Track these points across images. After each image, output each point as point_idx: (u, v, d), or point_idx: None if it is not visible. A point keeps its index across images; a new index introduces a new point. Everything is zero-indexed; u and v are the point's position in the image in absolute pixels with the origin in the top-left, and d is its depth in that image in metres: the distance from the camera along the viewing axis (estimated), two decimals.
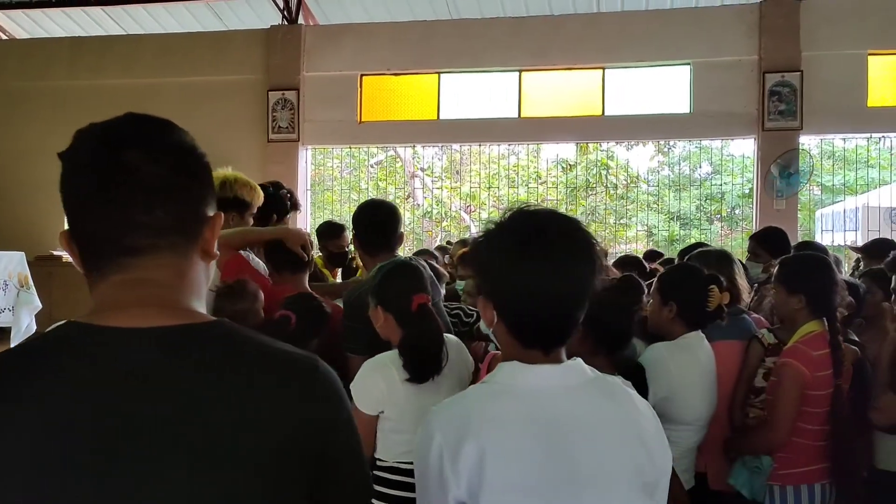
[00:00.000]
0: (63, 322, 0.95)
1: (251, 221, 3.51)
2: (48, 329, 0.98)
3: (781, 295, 2.83)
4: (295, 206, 4.12)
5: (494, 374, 1.38)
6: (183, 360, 0.90)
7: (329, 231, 4.59)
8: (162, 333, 0.90)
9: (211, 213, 1.01)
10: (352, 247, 4.04)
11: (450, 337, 2.51)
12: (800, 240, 9.58)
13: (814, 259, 2.92)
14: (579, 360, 1.39)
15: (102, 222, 0.93)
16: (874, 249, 4.61)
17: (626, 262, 4.54)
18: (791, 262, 2.96)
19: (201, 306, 1.00)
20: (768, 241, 4.06)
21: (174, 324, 0.92)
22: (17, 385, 0.87)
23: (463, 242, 5.44)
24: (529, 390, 1.32)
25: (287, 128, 9.30)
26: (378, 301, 2.38)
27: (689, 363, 2.59)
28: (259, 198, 3.61)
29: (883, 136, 9.08)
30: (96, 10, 10.31)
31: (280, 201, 3.91)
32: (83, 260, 0.96)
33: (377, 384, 2.29)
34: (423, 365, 2.26)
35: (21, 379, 0.87)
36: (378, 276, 2.49)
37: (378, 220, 2.91)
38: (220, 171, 4.03)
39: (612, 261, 4.90)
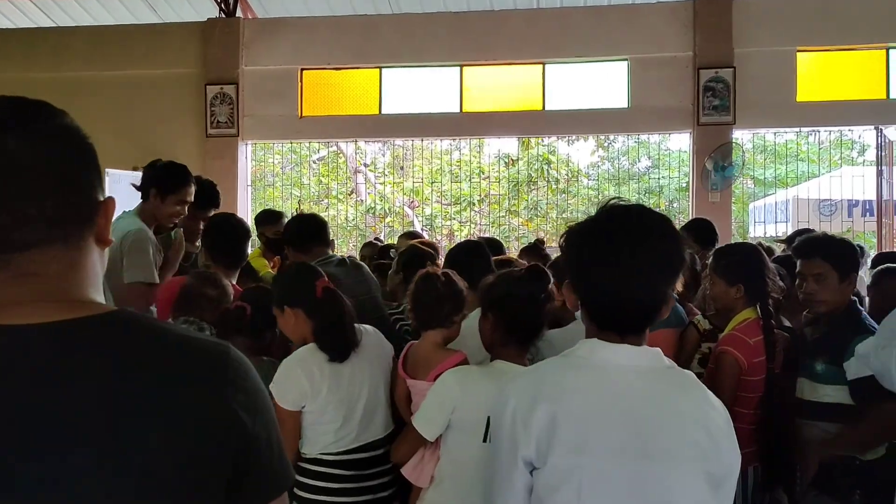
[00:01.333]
0: None
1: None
2: None
3: (721, 286, 2.91)
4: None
5: (575, 348, 1.47)
6: (82, 352, 0.86)
7: (266, 218, 4.58)
8: (58, 328, 0.86)
9: (102, 198, 0.96)
10: None
11: (365, 326, 2.62)
12: (734, 231, 9.87)
13: (749, 249, 3.03)
14: (658, 349, 1.47)
15: None
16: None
17: (529, 250, 4.41)
18: (728, 253, 3.05)
19: (98, 295, 0.95)
20: (696, 232, 4.20)
21: (71, 317, 0.88)
22: None
23: (409, 235, 5.42)
24: (604, 364, 1.41)
25: (226, 122, 9.15)
26: (282, 303, 2.49)
27: None
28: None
29: (814, 131, 9.41)
30: (24, 1, 9.96)
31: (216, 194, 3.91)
32: None
33: (298, 380, 2.38)
34: (341, 342, 2.39)
35: None
36: (274, 283, 2.63)
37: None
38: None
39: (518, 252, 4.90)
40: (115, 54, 9.31)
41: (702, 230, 4.29)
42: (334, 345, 2.40)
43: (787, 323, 3.26)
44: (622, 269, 1.39)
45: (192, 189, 3.41)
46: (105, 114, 9.10)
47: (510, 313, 2.21)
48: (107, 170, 8.16)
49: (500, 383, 1.67)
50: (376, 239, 7.03)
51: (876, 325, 2.69)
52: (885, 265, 3.66)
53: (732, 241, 5.27)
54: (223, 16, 9.32)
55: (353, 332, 2.45)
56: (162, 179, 3.31)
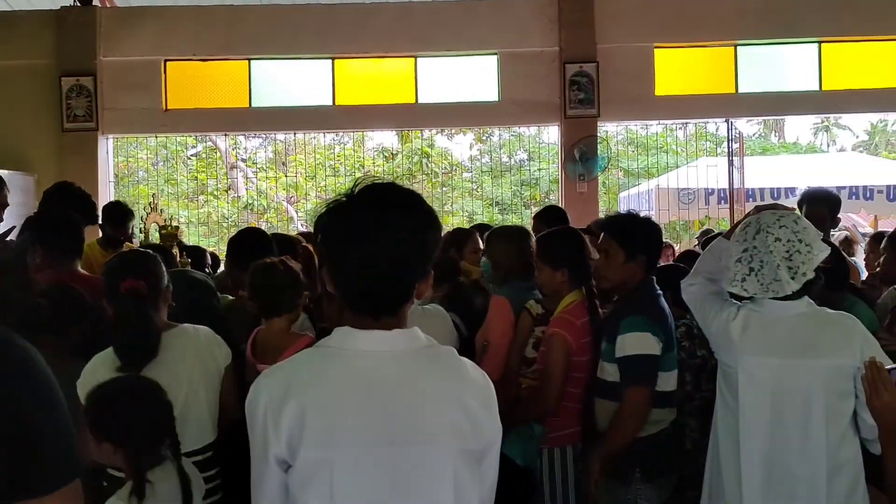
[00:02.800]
0: None
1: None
2: None
3: (546, 271, 2.97)
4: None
5: (327, 338, 1.43)
6: None
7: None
8: None
9: None
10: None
11: (190, 328, 2.51)
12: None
13: (570, 234, 3.10)
14: (416, 328, 1.43)
15: None
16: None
17: None
18: (550, 238, 3.10)
19: None
20: (546, 219, 4.38)
21: None
22: None
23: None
24: (356, 352, 1.37)
25: (84, 116, 8.68)
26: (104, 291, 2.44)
27: None
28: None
29: (674, 123, 9.92)
30: None
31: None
32: None
33: (103, 374, 2.27)
34: (128, 352, 2.28)
35: None
36: (106, 265, 2.57)
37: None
38: None
39: None
40: None
41: (550, 216, 4.47)
42: (125, 356, 2.27)
43: None
44: (370, 246, 1.36)
45: (7, 193, 3.21)
46: None
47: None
48: None
49: None
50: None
51: (666, 308, 2.78)
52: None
53: None
54: (78, 3, 8.84)
55: (150, 344, 2.30)
56: None
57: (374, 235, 1.36)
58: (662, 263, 6.05)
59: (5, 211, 3.25)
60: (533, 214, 14.47)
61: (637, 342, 2.58)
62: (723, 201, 9.41)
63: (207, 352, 2.46)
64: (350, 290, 1.41)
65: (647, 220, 2.93)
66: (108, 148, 9.06)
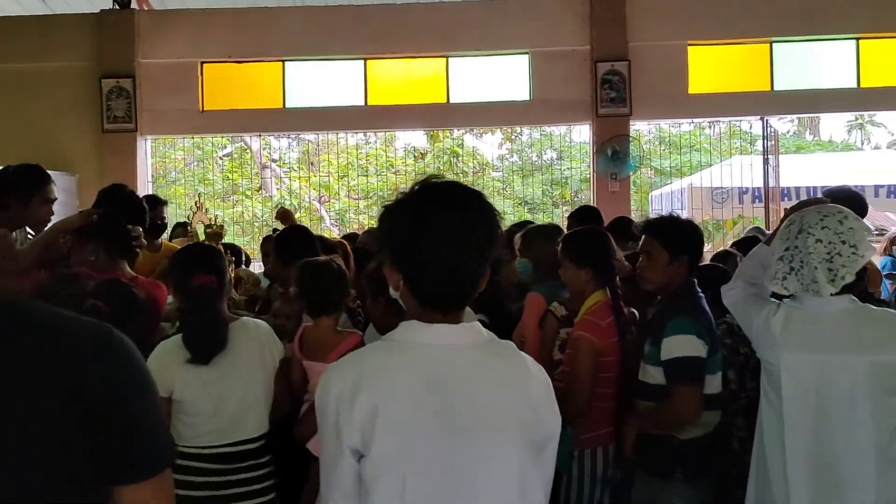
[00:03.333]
0: None
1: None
2: None
3: (570, 270, 2.97)
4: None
5: (394, 332, 1.47)
6: None
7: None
8: None
9: None
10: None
11: (251, 321, 2.60)
12: (634, 221, 10.22)
13: (595, 233, 3.09)
14: (476, 322, 1.48)
15: None
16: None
17: None
18: (575, 237, 3.10)
19: None
20: (582, 219, 4.40)
21: None
22: None
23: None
24: (422, 346, 1.41)
25: (123, 117, 8.84)
26: (171, 284, 2.55)
27: None
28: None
29: (707, 121, 9.85)
30: None
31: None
32: None
33: (168, 362, 2.37)
34: (199, 345, 2.36)
35: None
36: (173, 259, 2.64)
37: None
38: None
39: None
40: (2, 47, 8.85)
41: (585, 216, 4.50)
42: (196, 347, 2.37)
43: None
44: (441, 242, 1.39)
45: (54, 187, 3.27)
46: None
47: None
48: None
49: None
50: (275, 230, 6.91)
51: (708, 311, 2.75)
52: None
53: None
54: (117, 7, 9.00)
55: (220, 338, 2.39)
56: (19, 184, 3.15)
57: (445, 232, 1.40)
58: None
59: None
60: (566, 214, 14.37)
61: (683, 344, 2.57)
62: (757, 200, 9.33)
63: (265, 346, 2.54)
64: (421, 287, 1.45)
65: (689, 221, 2.94)
66: (146, 148, 9.22)
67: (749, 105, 9.00)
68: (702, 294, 2.82)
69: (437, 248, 1.40)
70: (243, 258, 4.33)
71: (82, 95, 8.91)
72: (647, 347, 2.69)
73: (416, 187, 1.48)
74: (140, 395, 1.00)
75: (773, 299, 2.45)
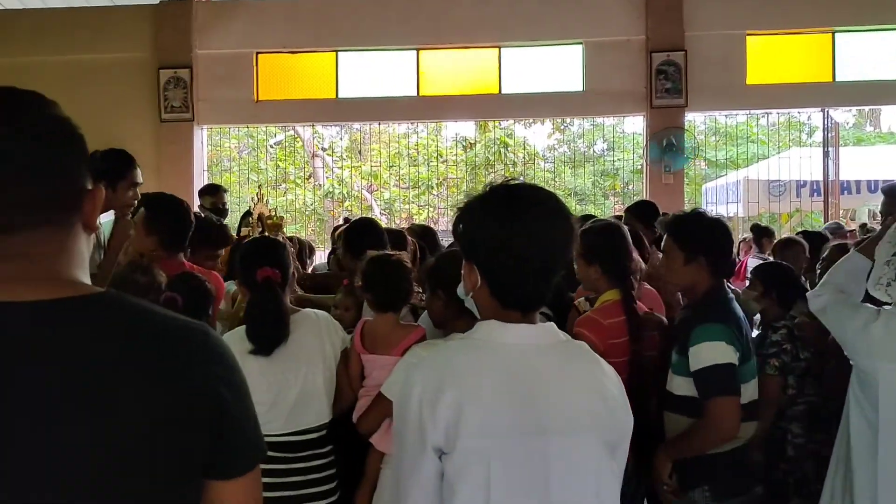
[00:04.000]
0: None
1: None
2: None
3: (581, 265, 2.80)
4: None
5: (474, 331, 1.49)
6: (69, 330, 0.91)
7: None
8: (46, 306, 0.91)
9: (90, 186, 1.01)
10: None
11: (312, 313, 2.62)
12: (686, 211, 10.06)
13: (609, 228, 2.90)
14: (552, 323, 1.51)
15: None
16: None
17: None
18: (588, 232, 2.90)
19: (85, 276, 1.01)
20: (638, 212, 4.34)
21: (60, 296, 0.93)
22: None
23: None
24: (504, 346, 1.43)
25: (181, 107, 9.02)
26: (238, 277, 2.57)
27: None
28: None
29: (766, 113, 9.63)
30: None
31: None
32: None
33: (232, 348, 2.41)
34: (261, 337, 2.40)
35: None
36: (239, 253, 2.68)
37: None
38: None
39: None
40: (63, 38, 9.09)
41: (643, 209, 4.46)
42: (258, 339, 2.41)
43: None
44: (526, 243, 1.41)
45: (139, 171, 3.32)
46: (54, 99, 8.87)
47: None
48: None
49: None
50: (346, 220, 6.95)
51: (740, 314, 2.54)
52: None
53: None
54: None
55: (282, 330, 2.43)
56: (107, 168, 3.16)
57: (533, 233, 1.43)
58: (756, 259, 5.92)
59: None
60: (616, 205, 14.17)
61: (712, 352, 2.36)
62: (815, 193, 9.11)
63: (327, 336, 2.57)
64: (503, 287, 1.47)
65: (713, 219, 2.70)
66: (202, 138, 9.39)
67: (809, 96, 8.78)
68: (732, 297, 2.63)
69: (526, 249, 1.42)
70: (307, 250, 4.36)
71: (141, 86, 9.11)
72: (675, 356, 2.50)
73: (491, 190, 1.50)
74: (237, 394, 1.02)
75: (869, 305, 2.34)
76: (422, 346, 2.40)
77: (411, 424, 1.40)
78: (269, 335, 2.42)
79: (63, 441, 0.86)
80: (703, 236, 2.56)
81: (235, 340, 2.43)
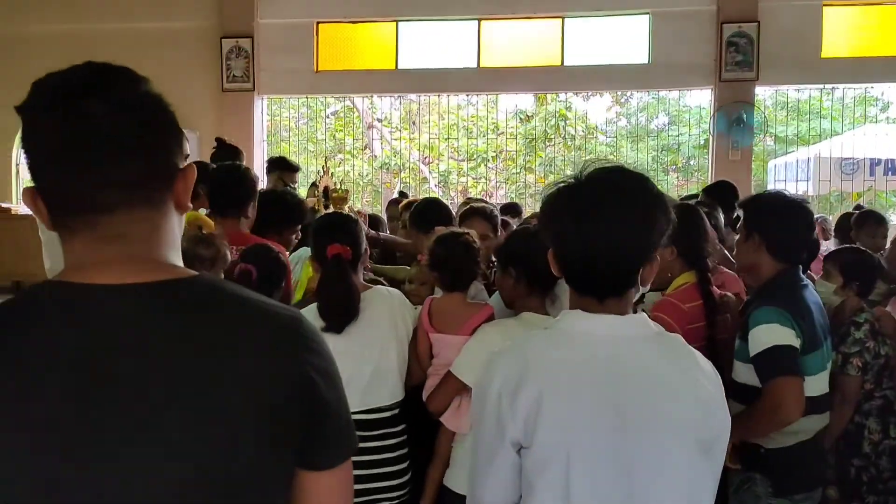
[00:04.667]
0: (41, 282, 0.94)
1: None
2: (24, 289, 0.95)
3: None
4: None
5: (558, 320, 1.45)
6: (165, 315, 0.89)
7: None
8: (142, 289, 0.89)
9: (181, 164, 0.99)
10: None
11: (384, 290, 2.59)
12: (753, 189, 9.76)
13: (683, 209, 2.75)
14: (643, 314, 1.46)
15: (73, 179, 0.90)
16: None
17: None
18: None
19: (178, 259, 0.99)
20: (718, 194, 4.18)
21: (154, 280, 0.91)
22: None
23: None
24: (588, 336, 1.38)
25: (242, 77, 9.08)
26: (311, 252, 2.57)
27: None
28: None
29: (835, 87, 9.25)
30: None
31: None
32: (52, 218, 0.93)
33: None
34: (335, 316, 2.39)
35: None
36: (311, 228, 2.66)
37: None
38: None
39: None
40: (127, 7, 9.22)
41: (722, 191, 4.25)
42: (329, 317, 2.40)
43: None
44: (590, 228, 1.37)
45: (187, 142, 3.33)
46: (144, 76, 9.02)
47: (531, 267, 2.23)
48: None
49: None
50: (401, 193, 6.95)
51: (812, 300, 2.41)
52: None
53: None
54: None
55: (353, 308, 2.41)
56: None
57: (594, 218, 1.37)
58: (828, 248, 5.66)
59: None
60: (678, 181, 13.84)
61: (770, 333, 2.27)
62: (890, 172, 8.76)
63: (399, 314, 2.54)
64: (573, 272, 1.43)
65: (784, 200, 2.55)
66: (262, 107, 9.46)
67: (889, 71, 8.38)
68: (806, 283, 2.50)
69: (586, 235, 1.38)
70: (380, 225, 4.31)
71: (203, 55, 9.20)
72: (737, 342, 2.44)
73: (576, 174, 1.45)
74: (332, 382, 1.00)
75: None
76: (491, 325, 2.37)
77: (490, 416, 1.37)
78: (339, 313, 2.40)
79: (170, 438, 0.85)
80: (765, 215, 2.49)
81: (308, 317, 2.42)
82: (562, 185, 1.46)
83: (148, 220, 0.94)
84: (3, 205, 8.69)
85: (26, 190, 0.94)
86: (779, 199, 2.55)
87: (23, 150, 0.92)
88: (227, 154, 5.62)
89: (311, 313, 2.44)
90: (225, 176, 3.21)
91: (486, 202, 4.03)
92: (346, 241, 2.45)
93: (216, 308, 0.93)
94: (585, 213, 1.38)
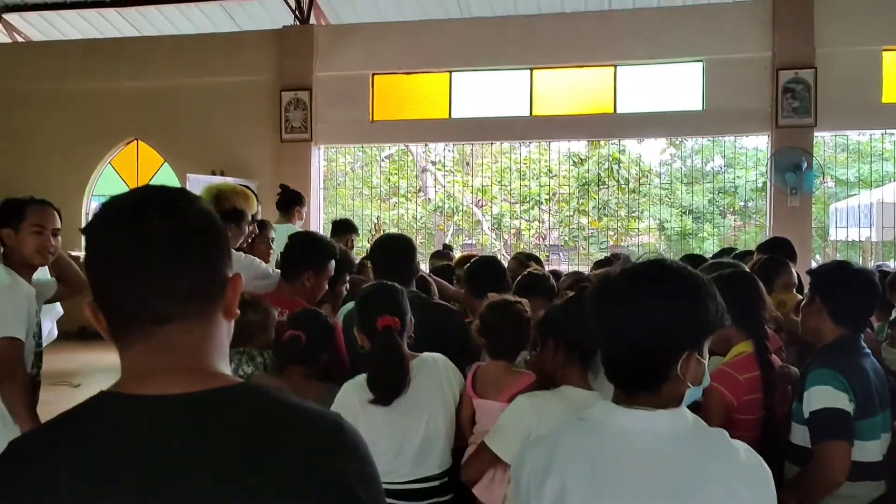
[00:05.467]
0: (96, 393, 0.99)
1: (247, 230, 3.61)
2: (81, 402, 1.00)
3: None
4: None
5: (591, 412, 1.45)
6: (211, 425, 0.94)
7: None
8: (189, 400, 0.95)
9: (230, 273, 1.05)
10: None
11: (430, 357, 2.58)
12: (815, 237, 9.51)
13: (740, 278, 2.79)
14: (683, 408, 1.42)
15: (131, 293, 0.97)
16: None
17: (579, 277, 4.08)
18: (720, 279, 2.82)
19: (225, 366, 1.04)
20: (773, 251, 4.06)
21: (201, 389, 0.96)
22: (48, 461, 0.92)
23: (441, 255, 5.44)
24: (617, 430, 1.38)
25: (300, 128, 9.34)
26: (357, 324, 2.56)
27: None
28: (253, 205, 3.69)
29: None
30: (111, 12, 10.37)
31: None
32: (111, 329, 1.00)
33: (353, 403, 2.41)
34: (385, 388, 2.39)
35: (50, 455, 0.93)
36: (358, 298, 2.64)
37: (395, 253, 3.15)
38: (213, 185, 4.07)
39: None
40: (195, 63, 9.62)
41: (778, 250, 4.10)
42: (379, 390, 2.40)
43: None
44: (616, 323, 1.40)
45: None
46: (184, 120, 9.45)
47: (570, 338, 2.22)
48: (187, 175, 8.48)
49: (572, 408, 1.67)
50: (446, 247, 7.00)
51: (869, 367, 2.41)
52: None
53: (813, 247, 4.84)
54: (298, 23, 9.51)
55: (403, 380, 2.41)
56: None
57: (614, 314, 1.40)
58: None
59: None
60: (735, 224, 13.55)
61: (822, 396, 2.29)
62: None
63: (446, 380, 2.55)
64: (606, 364, 1.45)
65: (850, 269, 2.59)
66: (319, 156, 9.69)
67: None
68: (867, 351, 2.50)
69: (613, 330, 1.41)
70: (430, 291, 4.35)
71: (264, 107, 9.50)
72: (794, 404, 2.46)
73: (618, 266, 1.48)
74: (372, 487, 1.02)
75: None
76: (526, 397, 2.31)
77: (521, 499, 1.42)
78: (389, 386, 2.41)
79: None
80: (829, 282, 2.53)
81: (356, 389, 2.44)
82: (607, 275, 1.48)
83: (198, 330, 1.00)
84: (73, 253, 9.04)
85: (88, 303, 1.01)
86: (844, 268, 2.60)
87: (85, 266, 1.00)
88: (291, 198, 5.79)
89: (358, 385, 2.48)
90: (294, 241, 3.29)
91: (539, 265, 4.02)
92: (395, 313, 2.47)
93: (258, 418, 0.96)
94: (607, 308, 1.42)
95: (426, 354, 2.62)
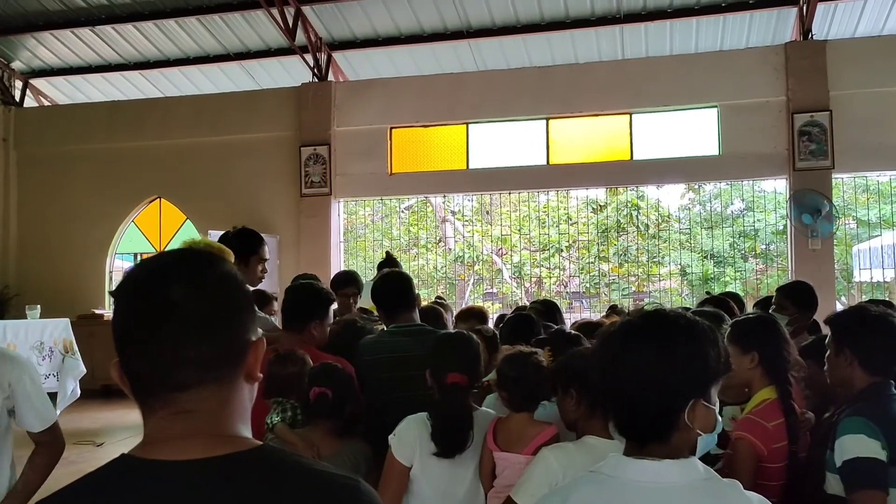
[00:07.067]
0: (117, 457, 1.00)
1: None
2: (101, 466, 1.01)
3: (735, 352, 2.61)
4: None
5: (602, 464, 1.44)
6: (226, 491, 0.95)
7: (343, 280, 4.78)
8: (206, 465, 0.96)
9: (254, 338, 1.06)
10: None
11: (482, 411, 2.61)
12: (838, 277, 9.37)
13: (761, 323, 2.77)
14: (693, 459, 1.40)
15: (151, 360, 0.98)
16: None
17: (591, 326, 4.00)
18: (745, 321, 2.80)
19: (246, 429, 1.05)
20: (795, 295, 4.00)
21: (217, 454, 0.97)
22: None
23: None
24: (626, 482, 1.37)
25: (319, 182, 9.47)
26: (428, 366, 2.59)
27: None
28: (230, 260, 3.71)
29: None
30: (134, 74, 10.66)
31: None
32: (133, 394, 1.02)
33: (413, 434, 2.44)
34: (445, 440, 2.41)
35: None
36: (434, 342, 2.68)
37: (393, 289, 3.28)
38: (188, 241, 4.11)
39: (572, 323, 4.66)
40: (216, 120, 9.85)
41: (799, 293, 4.04)
42: (443, 444, 2.43)
43: None
44: (620, 376, 1.40)
45: (267, 248, 3.72)
46: (206, 177, 9.63)
47: (592, 387, 2.20)
48: (209, 232, 8.59)
49: (595, 459, 1.65)
50: (438, 298, 7.00)
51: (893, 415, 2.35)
52: None
53: (837, 289, 4.72)
54: (316, 80, 9.72)
55: (466, 437, 2.44)
56: (240, 246, 3.34)
57: (615, 365, 1.41)
58: None
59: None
60: (757, 267, 13.41)
61: (855, 444, 2.26)
62: None
63: (482, 431, 2.56)
64: (614, 417, 1.46)
65: (872, 314, 2.53)
66: (339, 210, 9.79)
67: None
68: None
69: (617, 382, 1.40)
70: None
71: (283, 162, 9.67)
72: (828, 453, 2.40)
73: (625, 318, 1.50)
74: None
75: None
76: (550, 449, 2.31)
77: None
78: (453, 442, 2.43)
79: None
80: (854, 331, 2.49)
81: (423, 438, 2.45)
82: (620, 325, 1.47)
83: (218, 395, 1.01)
84: (96, 311, 9.16)
85: (114, 364, 1.02)
86: (864, 314, 2.55)
87: (113, 331, 1.01)
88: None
89: (421, 424, 2.48)
90: (299, 295, 3.30)
91: (556, 312, 4.00)
92: (465, 369, 2.51)
93: (276, 482, 0.97)
94: (609, 363, 1.42)
95: (485, 410, 2.63)
